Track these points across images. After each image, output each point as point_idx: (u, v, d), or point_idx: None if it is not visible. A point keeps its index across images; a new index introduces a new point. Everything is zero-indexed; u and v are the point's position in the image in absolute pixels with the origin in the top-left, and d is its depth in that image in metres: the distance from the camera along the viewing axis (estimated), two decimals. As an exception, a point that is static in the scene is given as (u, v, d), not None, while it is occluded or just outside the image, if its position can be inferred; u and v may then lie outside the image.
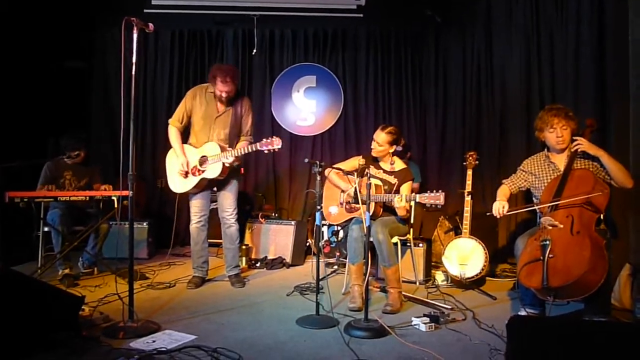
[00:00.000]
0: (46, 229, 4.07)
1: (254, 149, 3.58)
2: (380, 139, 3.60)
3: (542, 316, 2.91)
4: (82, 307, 2.91)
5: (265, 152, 3.52)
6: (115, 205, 3.87)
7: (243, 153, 3.66)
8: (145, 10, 5.41)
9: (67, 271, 3.99)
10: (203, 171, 3.76)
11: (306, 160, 3.07)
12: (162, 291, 3.77)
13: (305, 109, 5.83)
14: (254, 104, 5.71)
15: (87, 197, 3.94)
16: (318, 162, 3.04)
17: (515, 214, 4.87)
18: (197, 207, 3.90)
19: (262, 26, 5.67)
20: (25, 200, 3.71)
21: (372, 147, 3.66)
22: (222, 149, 3.72)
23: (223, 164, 3.69)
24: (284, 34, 5.80)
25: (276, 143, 3.46)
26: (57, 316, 2.51)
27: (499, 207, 3.08)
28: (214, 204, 4.06)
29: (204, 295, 3.69)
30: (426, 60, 5.72)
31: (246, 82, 5.81)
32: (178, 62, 5.82)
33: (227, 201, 3.89)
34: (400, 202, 3.33)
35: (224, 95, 3.74)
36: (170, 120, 3.90)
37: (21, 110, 4.78)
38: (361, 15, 5.52)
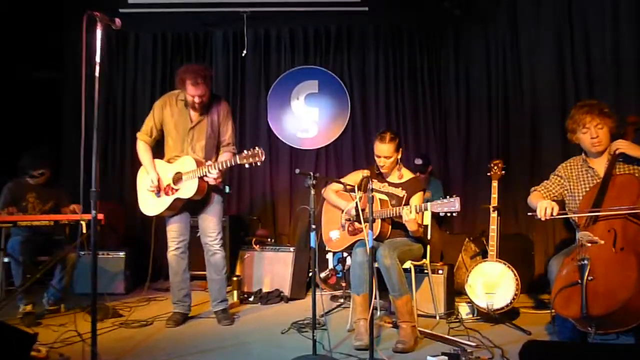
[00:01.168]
0: (6, 259, 4.05)
1: (234, 162, 3.53)
2: (386, 151, 3.55)
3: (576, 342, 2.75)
4: (38, 348, 2.86)
5: (247, 166, 3.47)
6: (84, 231, 3.83)
7: (225, 167, 3.59)
8: (122, 10, 5.47)
9: (28, 308, 3.94)
10: (177, 190, 3.71)
11: (297, 171, 3.01)
12: (136, 330, 3.70)
13: (307, 118, 5.82)
14: (247, 114, 5.85)
15: (52, 222, 3.93)
16: (312, 174, 2.99)
17: (555, 233, 4.81)
18: (174, 232, 3.85)
19: (255, 25, 5.71)
20: (-19, 226, 3.72)
21: (379, 164, 3.62)
22: (199, 164, 3.67)
23: (199, 180, 3.63)
24: (281, 33, 5.83)
25: (258, 156, 3.41)
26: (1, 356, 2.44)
27: (546, 207, 2.88)
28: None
29: (185, 334, 3.63)
30: (445, 59, 5.69)
31: (238, 90, 5.84)
32: (161, 69, 5.87)
33: (209, 224, 3.82)
34: (409, 214, 3.28)
35: (196, 100, 3.69)
36: (138, 134, 3.89)
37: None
38: (366, 8, 5.51)
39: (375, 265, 3.18)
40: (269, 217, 5.73)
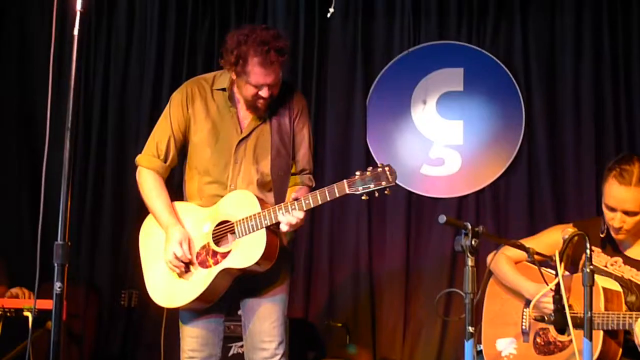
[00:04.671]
0: None
1: (336, 193, 3.50)
2: (630, 200, 3.66)
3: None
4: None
5: (363, 198, 3.49)
6: (30, 327, 3.89)
7: (320, 202, 3.55)
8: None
9: None
10: (225, 255, 3.67)
11: (442, 218, 2.95)
12: None
13: (442, 139, 5.84)
14: (327, 127, 5.95)
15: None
16: (469, 226, 2.92)
17: None
18: (195, 342, 3.86)
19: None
20: None
21: (613, 225, 3.77)
22: (263, 205, 3.67)
23: (268, 234, 3.59)
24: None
25: (385, 178, 3.41)
26: None
27: None
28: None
29: None
30: None
31: (312, 84, 5.95)
32: (174, 47, 6.08)
33: (265, 324, 3.83)
34: None
35: (263, 94, 3.67)
36: (139, 158, 3.95)
37: None
38: None
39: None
40: (363, 324, 5.73)
